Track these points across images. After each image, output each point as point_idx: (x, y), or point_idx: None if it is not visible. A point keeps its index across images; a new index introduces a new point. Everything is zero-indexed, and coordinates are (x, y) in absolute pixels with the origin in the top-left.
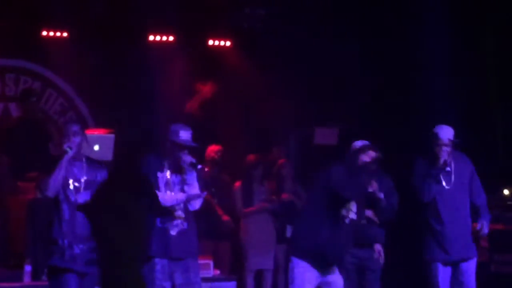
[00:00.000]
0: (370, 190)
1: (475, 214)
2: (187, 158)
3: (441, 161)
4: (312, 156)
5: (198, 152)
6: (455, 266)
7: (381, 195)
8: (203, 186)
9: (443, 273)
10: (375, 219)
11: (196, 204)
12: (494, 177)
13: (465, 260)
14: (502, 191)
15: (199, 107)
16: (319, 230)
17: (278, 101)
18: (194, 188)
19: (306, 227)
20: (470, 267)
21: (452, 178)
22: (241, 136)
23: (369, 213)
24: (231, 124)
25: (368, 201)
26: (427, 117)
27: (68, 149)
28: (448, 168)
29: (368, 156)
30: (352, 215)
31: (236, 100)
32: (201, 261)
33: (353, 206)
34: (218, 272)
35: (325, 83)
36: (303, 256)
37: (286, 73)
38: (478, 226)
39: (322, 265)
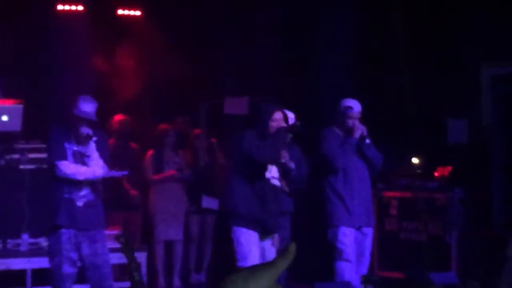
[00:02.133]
0: (282, 160)
1: None
2: (84, 130)
3: (358, 133)
4: (222, 126)
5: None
6: (358, 229)
7: (292, 165)
8: (107, 158)
9: (349, 237)
10: (286, 188)
11: (98, 174)
12: (403, 146)
13: (367, 226)
14: (411, 160)
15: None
16: (248, 196)
17: (188, 70)
18: (94, 160)
19: (235, 195)
20: (370, 233)
21: (359, 150)
22: (150, 106)
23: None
24: (140, 94)
25: (279, 170)
26: (333, 90)
27: None
28: (367, 141)
29: (277, 122)
30: (275, 182)
31: (146, 70)
32: (110, 232)
33: (274, 172)
34: None
35: (234, 53)
36: (241, 224)
37: (196, 43)
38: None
39: (260, 231)
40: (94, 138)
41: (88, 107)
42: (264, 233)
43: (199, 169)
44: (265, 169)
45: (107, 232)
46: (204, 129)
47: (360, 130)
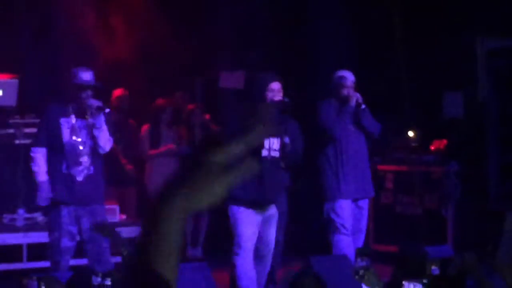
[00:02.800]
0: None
1: None
2: (94, 102)
3: (353, 101)
4: (217, 101)
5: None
6: (354, 202)
7: (287, 140)
8: (112, 130)
9: (346, 210)
10: (281, 163)
11: (106, 147)
12: (399, 120)
13: (364, 198)
14: (407, 133)
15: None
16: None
17: (183, 45)
18: (103, 132)
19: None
20: (366, 206)
21: (355, 119)
22: (146, 81)
23: None
24: (136, 69)
25: (280, 142)
26: (329, 65)
27: None
28: (363, 106)
29: (273, 92)
30: (275, 154)
31: (141, 44)
32: (106, 207)
33: (272, 143)
34: (124, 217)
35: (231, 28)
36: (237, 203)
37: (192, 17)
38: None
39: (257, 207)
40: (106, 110)
41: (86, 75)
42: (262, 207)
43: (194, 144)
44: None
45: None
46: (199, 104)
47: (355, 97)
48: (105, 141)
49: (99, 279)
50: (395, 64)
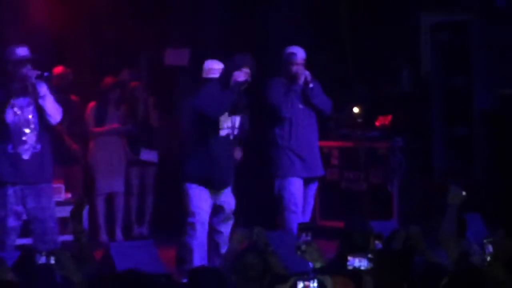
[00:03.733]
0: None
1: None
2: (32, 73)
3: (302, 79)
4: (163, 78)
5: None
6: (304, 180)
7: (245, 118)
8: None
9: (296, 188)
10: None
11: (56, 115)
12: (344, 96)
13: (313, 177)
14: (352, 109)
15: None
16: (200, 157)
17: (127, 20)
18: (49, 100)
19: (188, 151)
20: (315, 183)
21: (304, 97)
22: (90, 57)
23: None
24: (80, 44)
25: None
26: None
27: None
28: (311, 85)
29: (243, 75)
30: (235, 131)
31: (83, 19)
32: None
33: (233, 122)
34: (69, 195)
35: (180, 5)
36: (193, 181)
37: None
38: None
39: (213, 186)
40: (45, 74)
41: (22, 50)
42: (217, 187)
43: (138, 121)
44: (218, 124)
45: None
46: (142, 81)
47: (303, 75)
48: (53, 110)
49: (43, 258)
50: (340, 40)
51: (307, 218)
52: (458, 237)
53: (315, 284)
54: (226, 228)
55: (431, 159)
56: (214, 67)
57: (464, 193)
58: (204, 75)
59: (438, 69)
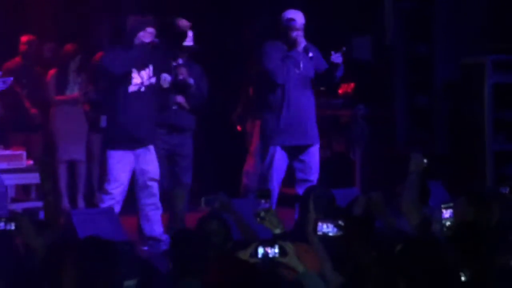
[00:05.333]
0: (180, 77)
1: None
2: None
3: (301, 46)
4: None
5: None
6: (296, 149)
7: (191, 81)
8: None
9: (281, 157)
10: (186, 105)
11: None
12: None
13: (308, 144)
14: None
15: None
16: (117, 109)
17: None
18: None
19: (107, 111)
20: (313, 150)
21: (302, 64)
22: (53, 25)
23: (180, 99)
24: (42, 12)
25: (178, 87)
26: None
27: None
28: (310, 54)
29: (147, 35)
30: (147, 81)
31: None
32: (13, 152)
33: (141, 77)
34: (31, 162)
35: None
36: (115, 146)
37: None
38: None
39: (134, 146)
40: None
41: None
42: (139, 146)
43: (99, 89)
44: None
45: (7, 152)
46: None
47: (303, 42)
48: None
49: (2, 224)
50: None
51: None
52: (420, 205)
53: (276, 250)
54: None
55: (394, 127)
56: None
57: (425, 161)
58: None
59: (401, 37)
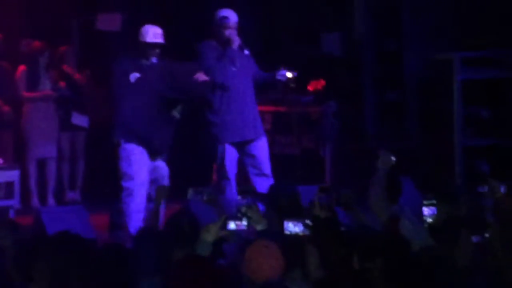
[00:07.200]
0: None
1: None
2: None
3: (236, 43)
4: (95, 43)
5: None
6: (244, 145)
7: None
8: None
9: (231, 154)
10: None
11: None
12: (276, 60)
13: (254, 139)
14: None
15: None
16: (136, 112)
17: None
18: None
19: (122, 109)
20: (260, 144)
21: (238, 61)
22: (21, 22)
23: None
24: (9, 10)
25: None
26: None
27: None
28: (246, 52)
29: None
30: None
31: None
32: None
33: None
34: (1, 161)
35: None
36: (129, 139)
37: None
38: (278, 74)
39: (149, 146)
40: None
41: None
42: (153, 152)
43: (68, 85)
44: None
45: None
46: (71, 46)
47: (237, 41)
48: None
49: None
50: (271, 5)
51: (270, 179)
52: (388, 202)
53: (245, 223)
54: None
55: (363, 122)
56: (157, 32)
57: (393, 158)
58: (149, 39)
59: (370, 32)
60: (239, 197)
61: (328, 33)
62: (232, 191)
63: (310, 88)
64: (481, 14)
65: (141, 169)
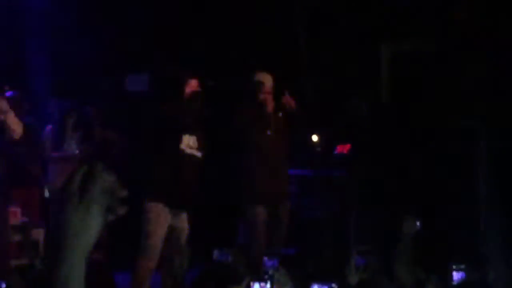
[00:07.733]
0: None
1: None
2: None
3: (270, 107)
4: (124, 103)
5: None
6: (272, 208)
7: None
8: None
9: (260, 215)
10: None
11: (18, 129)
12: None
13: (282, 202)
14: (311, 138)
15: None
16: (163, 169)
17: (88, 45)
18: (10, 114)
19: (151, 169)
20: (283, 208)
21: (273, 124)
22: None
23: None
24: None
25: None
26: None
27: None
28: (280, 114)
29: (191, 86)
30: (193, 152)
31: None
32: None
33: (191, 141)
34: (26, 219)
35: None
36: (156, 199)
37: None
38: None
39: (174, 205)
40: (8, 93)
41: None
42: (178, 207)
43: (95, 144)
44: (179, 139)
45: None
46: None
47: (271, 104)
48: (15, 123)
49: None
50: (299, 68)
51: (280, 244)
52: (413, 267)
53: (269, 286)
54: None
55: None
56: None
57: (418, 224)
58: None
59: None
60: (265, 259)
61: (354, 97)
62: (259, 252)
63: (336, 151)
64: None
65: (158, 229)
